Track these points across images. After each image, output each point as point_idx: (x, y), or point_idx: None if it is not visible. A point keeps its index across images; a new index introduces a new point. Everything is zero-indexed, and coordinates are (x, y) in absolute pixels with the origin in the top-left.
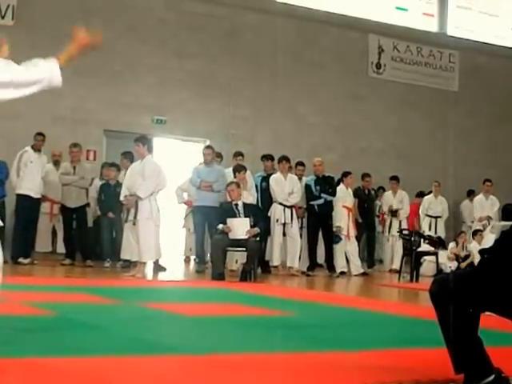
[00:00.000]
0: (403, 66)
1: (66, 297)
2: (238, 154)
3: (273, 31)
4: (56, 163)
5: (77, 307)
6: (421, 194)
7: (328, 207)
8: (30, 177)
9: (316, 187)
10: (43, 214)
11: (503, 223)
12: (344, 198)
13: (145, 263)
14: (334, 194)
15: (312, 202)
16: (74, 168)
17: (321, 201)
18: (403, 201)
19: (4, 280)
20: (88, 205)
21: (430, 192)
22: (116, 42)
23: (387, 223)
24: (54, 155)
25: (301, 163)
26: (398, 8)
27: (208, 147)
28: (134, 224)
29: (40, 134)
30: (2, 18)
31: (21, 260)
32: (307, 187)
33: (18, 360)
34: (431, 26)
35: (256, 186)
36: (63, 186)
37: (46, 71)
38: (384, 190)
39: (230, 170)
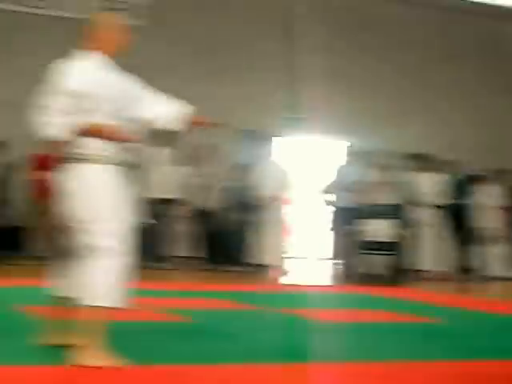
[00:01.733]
0: None
1: (205, 303)
2: (381, 153)
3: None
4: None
5: (216, 313)
6: None
7: None
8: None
9: None
10: (181, 218)
11: None
12: None
13: (283, 267)
14: None
15: None
16: (203, 170)
17: None
18: None
19: (138, 285)
20: (225, 207)
21: None
22: (254, 39)
23: None
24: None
25: None
26: None
27: (346, 146)
28: (264, 226)
29: None
30: (137, 18)
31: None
32: None
33: (158, 368)
34: None
35: (401, 185)
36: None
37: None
38: None
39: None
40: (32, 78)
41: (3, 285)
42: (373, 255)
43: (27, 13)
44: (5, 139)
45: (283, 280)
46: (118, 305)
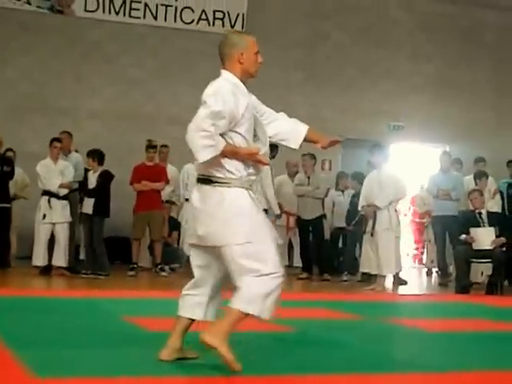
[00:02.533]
0: None
1: (305, 312)
2: (480, 160)
3: None
4: (291, 174)
5: (316, 323)
6: None
7: None
8: None
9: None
10: (279, 227)
11: None
12: None
13: (385, 276)
14: None
15: None
16: (309, 178)
17: None
18: None
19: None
20: (324, 216)
21: None
22: (350, 46)
23: None
24: (290, 166)
25: None
26: None
27: (444, 153)
28: (372, 235)
29: None
30: (232, 27)
31: None
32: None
33: (267, 378)
34: None
35: (501, 193)
36: (298, 198)
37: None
38: None
39: (471, 177)
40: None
41: (114, 296)
42: (478, 263)
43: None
44: (100, 148)
45: (389, 289)
46: (267, 316)
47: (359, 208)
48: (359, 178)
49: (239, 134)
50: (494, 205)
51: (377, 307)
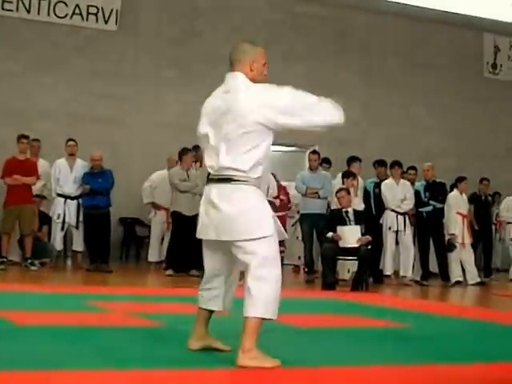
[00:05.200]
0: None
1: (175, 307)
2: (354, 160)
3: (383, 31)
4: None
5: (186, 318)
6: None
7: (438, 214)
8: None
9: (425, 193)
10: (159, 223)
11: None
12: (458, 205)
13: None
14: (443, 201)
15: (420, 209)
16: (187, 175)
17: (429, 208)
18: None
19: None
20: None
21: None
22: (222, 44)
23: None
24: (172, 162)
25: (412, 167)
26: None
27: (314, 152)
28: None
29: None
30: (106, 23)
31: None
32: (416, 193)
33: (126, 372)
34: None
35: (369, 193)
36: (180, 193)
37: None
38: (500, 196)
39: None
40: None
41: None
42: (344, 261)
43: None
44: None
45: None
46: (275, 317)
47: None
48: None
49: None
50: (361, 203)
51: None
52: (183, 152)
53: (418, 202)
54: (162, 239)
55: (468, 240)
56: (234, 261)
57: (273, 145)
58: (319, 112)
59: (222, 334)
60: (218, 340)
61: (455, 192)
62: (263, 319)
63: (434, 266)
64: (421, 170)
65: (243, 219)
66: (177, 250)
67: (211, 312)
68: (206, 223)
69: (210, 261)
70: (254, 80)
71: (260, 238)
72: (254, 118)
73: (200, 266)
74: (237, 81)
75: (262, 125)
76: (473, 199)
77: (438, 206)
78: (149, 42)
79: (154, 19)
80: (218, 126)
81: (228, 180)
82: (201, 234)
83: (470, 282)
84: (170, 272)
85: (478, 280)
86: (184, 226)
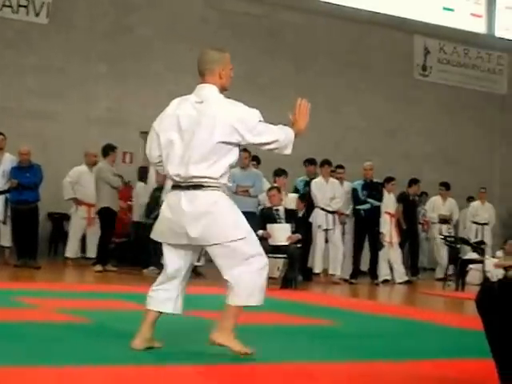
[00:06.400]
0: (450, 68)
1: (102, 304)
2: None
3: (315, 31)
4: (90, 164)
5: (113, 314)
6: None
7: (375, 213)
8: None
9: (363, 192)
10: (81, 219)
11: None
12: (386, 204)
13: None
14: (380, 199)
15: (358, 207)
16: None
17: (367, 206)
18: (454, 209)
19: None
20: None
21: (470, 198)
22: (155, 40)
23: (435, 230)
24: (90, 156)
25: (341, 166)
26: (444, 8)
27: (245, 150)
28: None
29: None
30: (37, 15)
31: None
32: (354, 191)
33: (53, 369)
34: (479, 27)
35: (298, 191)
36: (108, 189)
37: (283, 135)
38: (427, 196)
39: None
40: None
41: None
42: (274, 259)
43: None
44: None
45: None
46: (262, 303)
47: (160, 202)
48: None
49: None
50: (292, 202)
51: None
52: (110, 148)
53: (356, 200)
54: (84, 235)
55: (396, 239)
56: (191, 264)
57: None
58: (277, 137)
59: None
60: (157, 340)
61: (383, 192)
62: (246, 306)
63: (366, 265)
64: (349, 169)
65: (220, 223)
66: (108, 245)
67: (160, 313)
68: (175, 228)
69: (173, 263)
70: (223, 86)
71: (241, 239)
72: (227, 131)
73: (120, 261)
74: (210, 93)
75: (232, 138)
76: (401, 199)
77: (376, 204)
78: (80, 36)
79: (85, 13)
80: (189, 134)
81: (199, 186)
82: (167, 238)
83: (398, 280)
84: (99, 268)
85: (406, 279)
86: (114, 222)
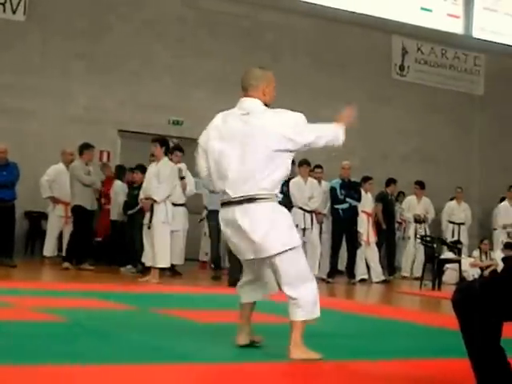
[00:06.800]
0: (427, 68)
1: (78, 302)
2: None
3: (294, 31)
4: (67, 163)
5: (89, 313)
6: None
7: (353, 212)
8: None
9: (341, 191)
10: (59, 217)
11: None
12: (363, 204)
13: (159, 269)
14: (359, 199)
15: (336, 206)
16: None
17: (345, 205)
18: (429, 208)
19: None
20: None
21: (453, 198)
22: (133, 38)
23: (411, 230)
24: (66, 155)
25: (319, 166)
26: (422, 9)
27: None
28: (149, 228)
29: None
30: (14, 13)
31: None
32: (332, 190)
33: (29, 367)
34: (456, 27)
35: None
36: (81, 187)
37: (329, 129)
38: (404, 195)
39: None
40: None
41: None
42: None
43: None
44: None
45: (163, 281)
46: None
47: (139, 200)
48: (144, 170)
49: None
50: None
51: (151, 298)
52: (85, 147)
53: (335, 199)
54: (61, 234)
55: (373, 238)
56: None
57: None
58: (324, 131)
59: None
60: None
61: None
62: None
63: (343, 264)
64: (327, 169)
65: (274, 234)
66: (79, 243)
67: (253, 305)
68: (239, 245)
69: (248, 275)
70: (266, 104)
71: (292, 249)
72: (278, 138)
73: (97, 260)
74: (254, 104)
75: (284, 144)
76: (380, 198)
77: (354, 203)
78: (58, 33)
79: (63, 11)
80: (240, 147)
81: (252, 200)
82: (242, 255)
83: (375, 279)
84: (67, 265)
85: (382, 278)
86: (86, 220)
